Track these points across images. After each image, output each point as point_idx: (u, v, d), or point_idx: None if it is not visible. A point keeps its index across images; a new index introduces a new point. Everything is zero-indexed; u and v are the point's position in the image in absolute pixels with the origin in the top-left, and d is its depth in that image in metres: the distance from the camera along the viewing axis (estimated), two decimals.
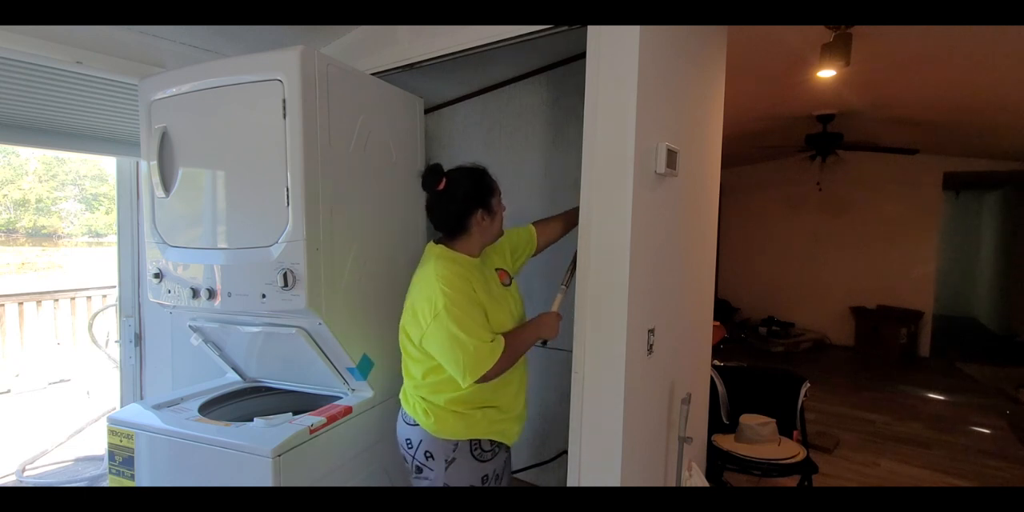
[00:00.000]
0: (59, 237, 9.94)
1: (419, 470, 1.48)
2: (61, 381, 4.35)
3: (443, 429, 1.46)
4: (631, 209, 1.45)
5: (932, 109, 4.00)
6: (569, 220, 1.77)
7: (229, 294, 1.58)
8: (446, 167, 1.49)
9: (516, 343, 1.44)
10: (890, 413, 4.00)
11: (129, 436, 1.61)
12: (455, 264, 1.44)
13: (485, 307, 1.42)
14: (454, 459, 1.46)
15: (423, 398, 1.48)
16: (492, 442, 1.51)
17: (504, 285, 1.59)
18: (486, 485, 1.49)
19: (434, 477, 1.47)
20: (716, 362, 2.66)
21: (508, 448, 1.62)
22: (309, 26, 1.94)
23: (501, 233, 1.58)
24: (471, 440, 1.47)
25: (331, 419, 1.59)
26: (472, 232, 1.49)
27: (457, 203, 1.46)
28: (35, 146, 1.99)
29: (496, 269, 1.60)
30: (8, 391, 4.12)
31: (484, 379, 1.37)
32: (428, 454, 1.47)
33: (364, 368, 1.76)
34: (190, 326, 1.84)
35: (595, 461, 1.55)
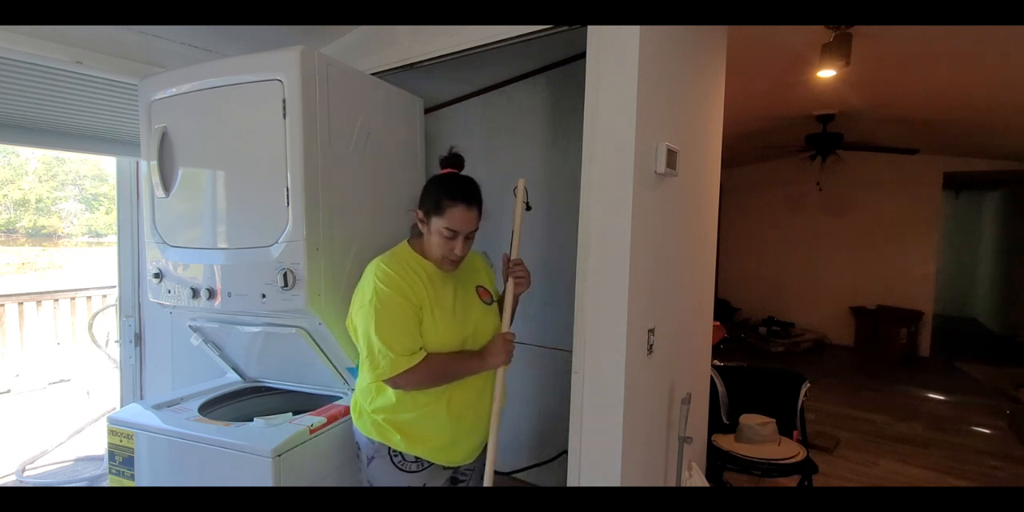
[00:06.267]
0: (59, 237, 9.95)
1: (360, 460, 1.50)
2: (61, 381, 4.35)
3: (361, 425, 1.46)
4: (631, 209, 1.45)
5: (932, 109, 4.00)
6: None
7: (229, 294, 1.58)
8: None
9: (446, 366, 1.37)
10: (890, 413, 4.00)
11: (129, 436, 1.61)
12: (400, 261, 1.39)
13: (424, 314, 1.35)
14: (373, 458, 1.44)
15: (356, 393, 1.50)
16: (419, 458, 1.43)
17: (485, 303, 1.52)
18: None
19: (362, 474, 1.48)
20: (716, 362, 2.66)
21: (453, 468, 1.51)
22: (309, 26, 1.94)
23: (447, 260, 1.40)
24: (389, 446, 1.41)
25: (331, 419, 1.59)
26: (423, 233, 1.41)
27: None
28: (35, 146, 2.00)
29: (478, 286, 1.54)
30: (8, 391, 4.12)
31: (395, 385, 1.34)
32: (357, 446, 1.49)
33: None
34: (190, 326, 1.84)
35: (595, 461, 1.55)
